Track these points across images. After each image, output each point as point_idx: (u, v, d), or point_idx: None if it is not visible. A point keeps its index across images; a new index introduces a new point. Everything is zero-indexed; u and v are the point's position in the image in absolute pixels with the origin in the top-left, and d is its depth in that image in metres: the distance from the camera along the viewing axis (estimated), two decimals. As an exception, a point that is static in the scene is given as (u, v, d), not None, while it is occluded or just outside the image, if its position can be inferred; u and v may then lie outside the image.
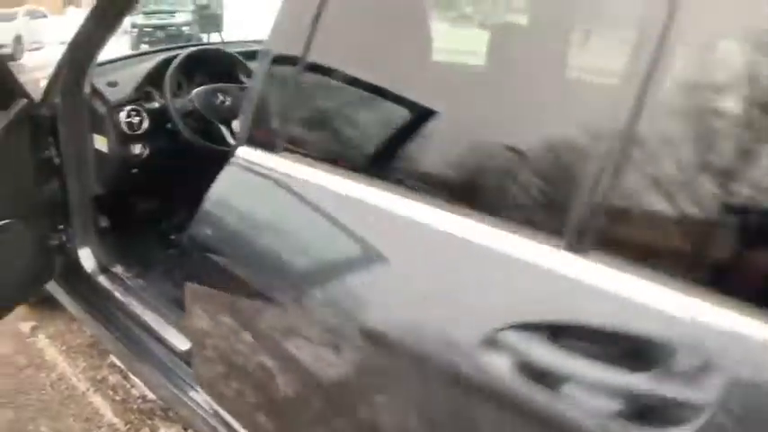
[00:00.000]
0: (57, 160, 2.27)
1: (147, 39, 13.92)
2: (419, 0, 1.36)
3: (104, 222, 2.61)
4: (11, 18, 16.62)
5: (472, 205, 1.01)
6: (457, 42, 1.48)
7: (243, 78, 2.65)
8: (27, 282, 2.23)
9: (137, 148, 2.42)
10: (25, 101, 2.08)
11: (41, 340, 2.99)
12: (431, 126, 1.15)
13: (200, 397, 1.81)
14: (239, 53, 2.74)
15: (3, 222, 2.00)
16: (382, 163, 1.20)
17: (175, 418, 2.40)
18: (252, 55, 2.79)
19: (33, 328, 3.08)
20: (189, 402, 1.87)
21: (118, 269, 2.39)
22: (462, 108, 1.11)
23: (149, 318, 2.16)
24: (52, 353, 2.89)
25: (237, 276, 1.31)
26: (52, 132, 2.24)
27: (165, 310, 2.13)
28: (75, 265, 2.42)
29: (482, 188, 1.08)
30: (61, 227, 2.38)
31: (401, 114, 1.23)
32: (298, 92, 1.32)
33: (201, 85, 2.45)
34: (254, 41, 3.25)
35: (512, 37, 1.31)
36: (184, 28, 14.32)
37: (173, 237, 2.96)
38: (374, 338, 1.05)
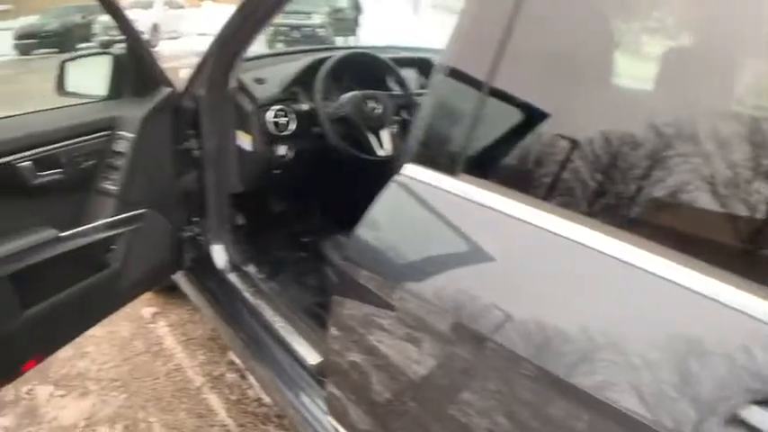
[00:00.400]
0: (196, 153, 2.22)
1: (282, 38, 14.16)
2: (613, 26, 1.19)
3: (240, 220, 2.55)
4: (148, 6, 17.49)
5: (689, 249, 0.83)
6: (650, 71, 1.29)
7: (393, 86, 2.54)
8: (156, 271, 2.20)
9: (281, 150, 2.32)
10: (169, 90, 2.04)
11: (161, 327, 2.98)
12: (640, 160, 0.97)
13: (323, 417, 1.70)
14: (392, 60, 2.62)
15: (139, 211, 1.97)
16: (587, 198, 1.02)
17: (290, 426, 2.30)
18: (403, 62, 2.68)
19: (155, 315, 3.07)
20: (310, 419, 1.77)
21: (249, 269, 2.32)
22: (668, 143, 0.92)
23: (278, 323, 2.07)
24: (171, 342, 2.87)
25: (398, 303, 1.17)
26: (193, 124, 2.19)
27: (295, 317, 2.03)
28: (206, 259, 2.38)
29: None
30: (195, 220, 2.34)
31: (603, 146, 1.06)
32: (483, 114, 1.17)
33: (349, 90, 2.33)
34: (400, 48, 3.14)
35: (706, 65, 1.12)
36: (319, 30, 14.50)
37: (305, 240, 2.90)
38: (575, 394, 0.87)
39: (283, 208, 2.90)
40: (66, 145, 1.77)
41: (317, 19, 14.95)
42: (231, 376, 2.62)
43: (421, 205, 1.21)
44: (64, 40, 16.44)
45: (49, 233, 1.71)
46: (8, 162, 1.63)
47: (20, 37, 17.21)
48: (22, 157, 1.65)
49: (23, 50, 16.83)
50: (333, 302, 1.38)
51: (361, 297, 1.28)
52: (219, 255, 2.36)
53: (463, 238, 1.11)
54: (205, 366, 2.69)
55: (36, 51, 15.90)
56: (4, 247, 1.60)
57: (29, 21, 17.85)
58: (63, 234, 1.74)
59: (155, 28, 16.31)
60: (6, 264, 1.60)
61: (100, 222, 1.87)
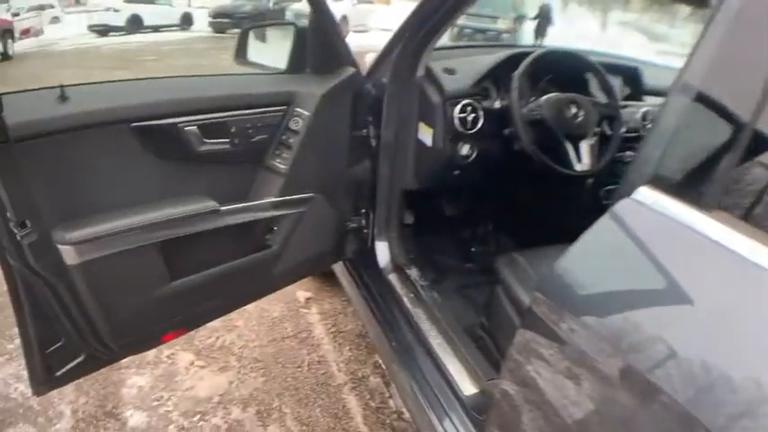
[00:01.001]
0: (373, 142, 2.06)
1: (465, 40, 13.93)
2: None
3: (409, 219, 2.36)
4: (338, -1, 17.86)
5: None
6: None
7: (596, 93, 2.16)
8: (315, 259, 2.05)
9: (465, 149, 2.08)
10: (352, 70, 1.87)
11: (313, 314, 2.86)
12: None
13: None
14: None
15: (307, 195, 1.83)
16: None
17: (426, 452, 2.09)
18: (607, 69, 2.28)
19: (308, 300, 2.96)
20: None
21: (412, 272, 2.12)
22: None
23: (434, 339, 1.85)
24: (320, 331, 2.74)
25: (608, 358, 0.90)
26: (373, 111, 2.02)
27: (454, 337, 1.80)
28: (368, 254, 2.21)
29: None
30: (362, 211, 2.18)
31: None
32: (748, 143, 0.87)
33: (545, 93, 2.04)
34: (602, 53, 2.76)
35: None
36: (505, 35, 14.07)
37: (474, 249, 2.66)
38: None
39: (454, 212, 2.66)
40: (239, 115, 1.64)
41: (502, 24, 14.56)
42: (375, 380, 2.44)
43: (658, 242, 0.92)
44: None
45: (209, 205, 1.59)
46: (175, 124, 1.52)
47: (215, 15, 18.29)
48: (189, 121, 1.54)
49: (217, 28, 17.74)
50: (516, 335, 1.13)
51: (556, 339, 1.02)
52: (383, 252, 2.18)
53: (710, 294, 0.82)
54: (350, 364, 2.53)
55: (229, 31, 16.76)
56: (159, 212, 1.50)
57: (225, 1, 19.02)
58: (224, 208, 1.61)
59: (343, 19, 16.65)
60: (158, 230, 1.49)
61: (264, 201, 1.74)
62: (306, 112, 1.74)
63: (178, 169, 1.59)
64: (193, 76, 1.70)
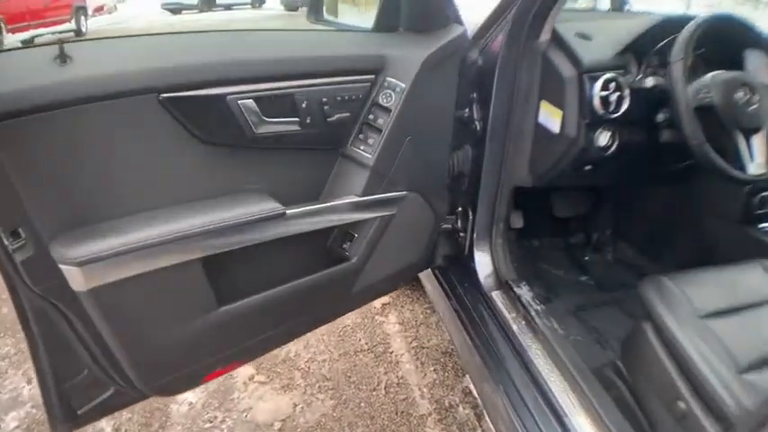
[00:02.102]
0: (477, 125, 1.65)
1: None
2: None
3: (518, 222, 1.94)
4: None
5: None
6: None
7: (759, 75, 1.66)
8: (404, 270, 1.67)
9: (604, 138, 1.61)
10: (462, 29, 1.47)
11: (391, 324, 2.47)
12: None
13: None
14: None
15: (399, 193, 1.44)
16: None
17: None
18: None
19: (385, 306, 2.57)
20: None
21: (523, 292, 1.70)
22: None
23: (552, 381, 1.44)
24: (399, 345, 2.35)
25: None
26: (479, 86, 1.62)
27: (583, 384, 1.38)
28: (463, 262, 1.81)
29: None
30: (459, 210, 1.78)
31: None
32: None
33: (703, 71, 1.56)
34: None
35: None
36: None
37: (587, 258, 2.22)
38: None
39: (566, 213, 2.22)
40: (311, 85, 1.25)
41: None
42: (464, 412, 2.04)
43: None
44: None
45: (270, 207, 1.21)
46: (222, 96, 1.13)
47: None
48: (243, 92, 1.16)
49: (289, 6, 17.46)
50: None
51: None
52: (483, 263, 1.77)
53: None
54: (435, 389, 2.13)
55: (302, 8, 16.43)
56: (201, 217, 1.13)
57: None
58: (290, 211, 1.23)
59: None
60: (200, 242, 1.12)
61: (342, 201, 1.35)
62: (401, 84, 1.34)
63: (226, 158, 1.21)
64: (248, 30, 1.30)
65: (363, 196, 1.36)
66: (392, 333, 2.40)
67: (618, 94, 1.56)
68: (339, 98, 1.28)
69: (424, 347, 2.32)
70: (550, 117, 1.61)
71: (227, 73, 1.13)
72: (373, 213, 1.40)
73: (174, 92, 1.06)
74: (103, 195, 1.06)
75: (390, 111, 1.34)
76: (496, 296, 1.74)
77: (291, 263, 1.33)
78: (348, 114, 1.31)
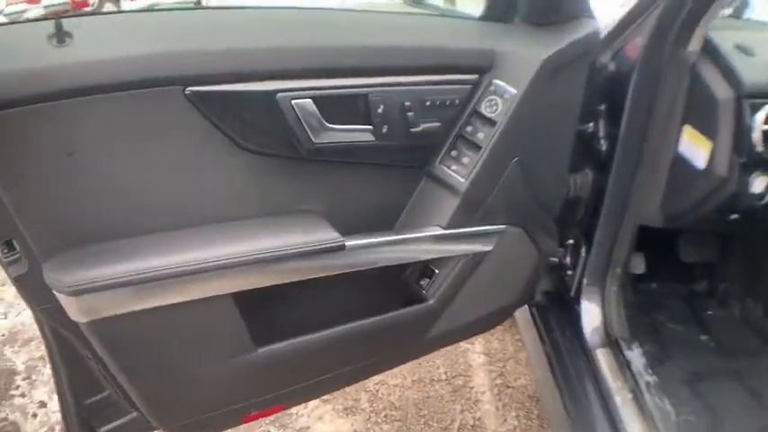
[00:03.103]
0: (602, 144, 1.37)
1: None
2: None
3: (639, 268, 1.62)
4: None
5: None
6: None
7: None
8: (495, 313, 1.40)
9: (761, 183, 1.28)
10: (594, 23, 1.16)
11: (475, 354, 2.19)
12: None
13: None
14: None
15: (496, 227, 1.16)
16: None
17: None
18: None
19: (473, 332, 2.32)
20: None
21: (633, 356, 1.40)
22: None
23: None
24: (481, 380, 2.07)
25: None
26: (608, 98, 1.34)
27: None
28: (568, 301, 1.52)
29: None
30: (570, 242, 1.49)
31: None
32: None
33: None
34: None
35: None
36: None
37: (710, 312, 1.85)
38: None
39: (693, 258, 1.86)
40: (392, 84, 0.99)
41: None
42: (545, 472, 1.75)
43: None
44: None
45: (326, 237, 0.96)
46: (271, 93, 0.89)
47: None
48: (298, 90, 0.91)
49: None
50: None
51: None
52: (592, 312, 1.47)
53: None
54: (515, 438, 1.86)
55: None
56: (237, 245, 0.90)
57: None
58: (352, 243, 0.98)
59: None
60: (232, 274, 0.89)
61: (423, 233, 1.09)
62: (511, 90, 1.06)
63: (272, 170, 0.97)
64: (308, 8, 1.03)
65: (450, 228, 1.10)
66: (475, 365, 2.13)
67: None
68: (428, 102, 1.02)
69: (509, 387, 2.04)
70: (695, 147, 1.28)
71: (278, 63, 0.89)
72: (462, 247, 1.14)
73: (205, 85, 0.83)
74: (110, 209, 0.85)
75: (495, 123, 1.07)
76: (602, 355, 1.45)
77: (351, 299, 1.09)
78: (438, 124, 1.05)
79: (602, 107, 1.36)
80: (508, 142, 1.09)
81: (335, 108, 0.94)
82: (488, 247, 1.17)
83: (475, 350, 2.20)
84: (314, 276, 0.96)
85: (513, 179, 1.13)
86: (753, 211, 1.31)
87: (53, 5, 8.06)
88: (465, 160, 1.07)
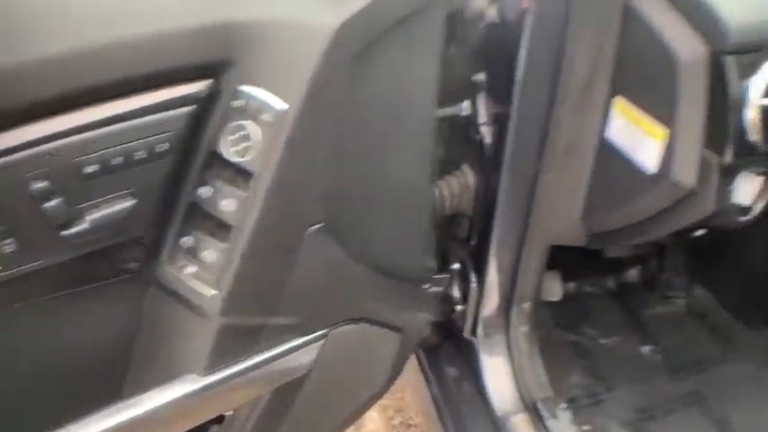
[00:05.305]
0: (484, 132, 0.97)
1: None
2: None
3: (554, 294, 1.19)
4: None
5: None
6: None
7: None
8: (346, 415, 0.95)
9: (747, 189, 0.81)
10: None
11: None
12: None
13: None
14: None
15: (311, 336, 0.69)
16: None
17: None
18: None
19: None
20: None
21: (559, 421, 0.98)
22: None
23: None
24: (375, 422, 1.62)
25: None
26: (487, 64, 0.96)
27: None
28: (461, 346, 1.12)
29: None
30: (454, 267, 1.05)
31: None
32: None
33: None
34: None
35: None
36: None
37: (648, 312, 1.44)
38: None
39: (626, 253, 1.46)
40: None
41: None
42: None
43: None
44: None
45: None
46: None
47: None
48: None
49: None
50: None
51: None
52: (495, 369, 1.04)
53: None
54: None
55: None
56: None
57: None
58: None
59: None
60: None
61: (162, 399, 0.63)
62: (276, 103, 0.57)
63: None
64: None
65: (213, 371, 0.59)
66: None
67: None
68: (95, 166, 0.49)
69: (410, 426, 1.60)
70: (638, 137, 0.82)
71: None
72: (247, 392, 0.65)
73: None
74: None
75: (250, 174, 0.56)
76: (517, 424, 1.02)
77: None
78: (133, 202, 0.52)
79: (481, 78, 0.92)
80: (288, 199, 0.58)
81: None
82: (303, 371, 0.68)
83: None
84: None
85: (320, 254, 0.63)
86: (737, 231, 0.87)
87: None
88: (209, 254, 0.56)
